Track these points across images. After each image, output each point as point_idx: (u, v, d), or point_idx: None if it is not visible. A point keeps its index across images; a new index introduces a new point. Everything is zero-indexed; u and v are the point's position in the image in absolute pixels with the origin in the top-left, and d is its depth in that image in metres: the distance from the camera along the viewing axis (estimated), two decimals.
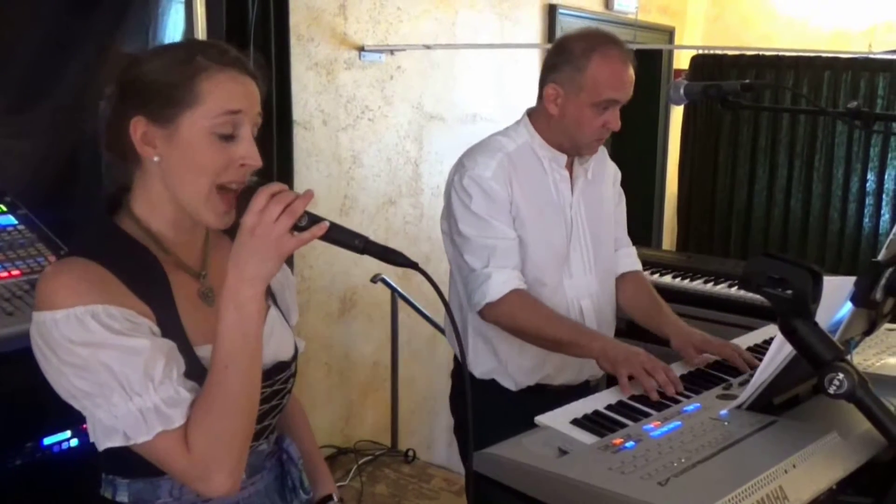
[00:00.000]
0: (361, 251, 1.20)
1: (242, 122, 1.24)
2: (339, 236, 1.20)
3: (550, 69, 2.07)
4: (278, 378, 1.37)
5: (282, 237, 1.15)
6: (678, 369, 1.85)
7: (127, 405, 1.15)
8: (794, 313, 1.21)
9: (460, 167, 2.09)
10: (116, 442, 1.16)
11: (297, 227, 1.16)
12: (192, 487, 1.22)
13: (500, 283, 1.99)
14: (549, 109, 2.07)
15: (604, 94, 1.99)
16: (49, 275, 1.21)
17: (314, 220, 1.17)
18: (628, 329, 3.05)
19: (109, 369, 1.14)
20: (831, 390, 1.17)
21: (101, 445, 1.17)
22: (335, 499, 1.55)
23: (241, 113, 1.24)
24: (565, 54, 2.03)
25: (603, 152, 2.30)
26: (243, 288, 1.17)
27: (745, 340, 2.07)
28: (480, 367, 2.17)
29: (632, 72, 2.03)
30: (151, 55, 1.27)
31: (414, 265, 1.20)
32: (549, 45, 2.46)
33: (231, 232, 1.42)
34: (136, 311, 1.20)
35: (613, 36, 2.06)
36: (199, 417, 1.18)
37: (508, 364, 2.13)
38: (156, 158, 1.24)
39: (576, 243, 2.15)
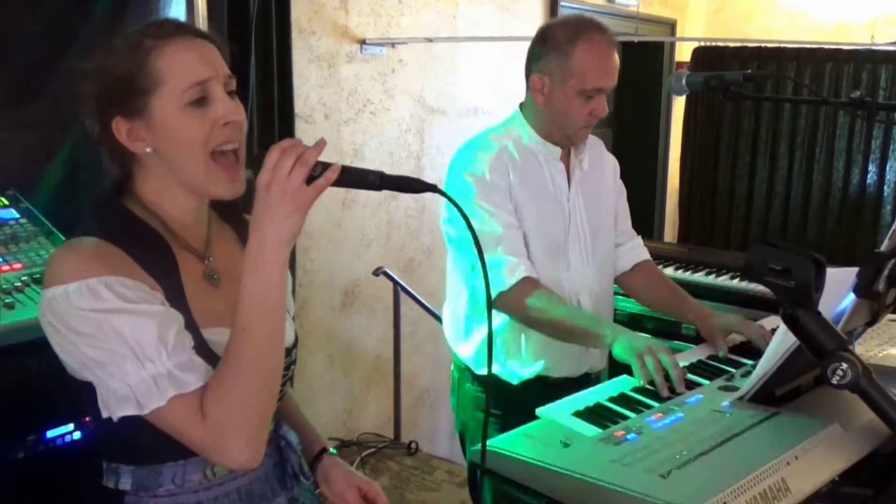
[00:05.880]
0: (379, 187, 1.18)
1: (211, 85, 1.24)
2: (354, 177, 1.19)
3: (535, 58, 2.06)
4: None
5: (298, 189, 1.13)
6: (681, 359, 1.85)
7: (140, 372, 1.14)
8: (797, 303, 1.21)
9: (457, 164, 2.09)
10: (129, 410, 1.15)
11: (311, 178, 1.14)
12: (211, 458, 1.22)
13: (511, 271, 1.98)
14: (535, 100, 2.07)
15: (591, 82, 1.98)
16: (60, 253, 1.22)
17: (327, 167, 1.16)
18: (630, 321, 3.04)
19: (121, 336, 1.14)
20: (835, 381, 1.17)
21: (115, 414, 1.16)
22: (329, 450, 1.56)
23: (207, 80, 1.23)
24: (550, 42, 2.02)
25: (599, 144, 2.30)
26: (266, 250, 1.15)
27: None
28: (482, 364, 2.16)
29: (616, 58, 2.02)
30: (104, 56, 1.26)
31: (434, 188, 1.19)
32: None
33: (233, 221, 1.43)
34: (148, 286, 1.20)
35: (598, 22, 2.05)
36: (215, 383, 1.18)
37: (510, 358, 2.13)
38: (148, 150, 1.25)
39: (574, 235, 2.14)
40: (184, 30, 1.26)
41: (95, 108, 1.26)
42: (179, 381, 1.16)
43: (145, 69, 1.22)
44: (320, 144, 1.16)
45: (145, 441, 1.21)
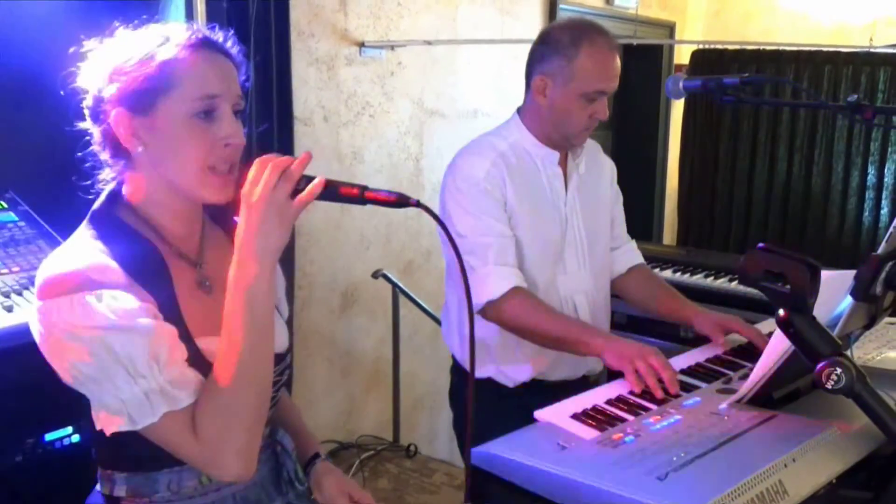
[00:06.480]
0: (362, 202, 1.18)
1: (221, 103, 1.24)
2: (338, 190, 1.19)
3: (538, 60, 2.07)
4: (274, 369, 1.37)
5: (283, 204, 1.13)
6: (680, 362, 1.85)
7: (132, 388, 1.14)
8: (792, 308, 1.21)
9: (454, 169, 2.08)
10: (122, 426, 1.15)
11: (296, 192, 1.15)
12: (205, 471, 1.23)
13: (499, 280, 1.98)
14: (537, 101, 2.07)
15: (593, 85, 1.99)
16: (49, 263, 1.20)
17: (310, 180, 1.16)
18: (629, 323, 3.04)
19: (113, 352, 1.13)
20: (829, 385, 1.17)
21: (109, 430, 1.16)
22: (322, 456, 1.56)
23: (219, 95, 1.23)
24: (553, 44, 2.03)
25: (597, 148, 2.30)
26: (251, 264, 1.15)
27: None
28: (478, 367, 2.16)
29: (618, 61, 2.03)
30: (121, 46, 1.25)
31: (417, 203, 1.19)
32: None
33: (225, 225, 1.42)
34: (139, 299, 1.19)
35: (599, 25, 2.06)
36: (204, 398, 1.18)
37: (504, 362, 2.13)
38: (140, 149, 1.24)
39: (571, 239, 2.14)
40: (210, 43, 1.26)
41: (98, 92, 1.25)
42: (171, 397, 1.15)
43: (163, 70, 1.20)
44: (304, 158, 1.16)
45: (140, 449, 1.21)
